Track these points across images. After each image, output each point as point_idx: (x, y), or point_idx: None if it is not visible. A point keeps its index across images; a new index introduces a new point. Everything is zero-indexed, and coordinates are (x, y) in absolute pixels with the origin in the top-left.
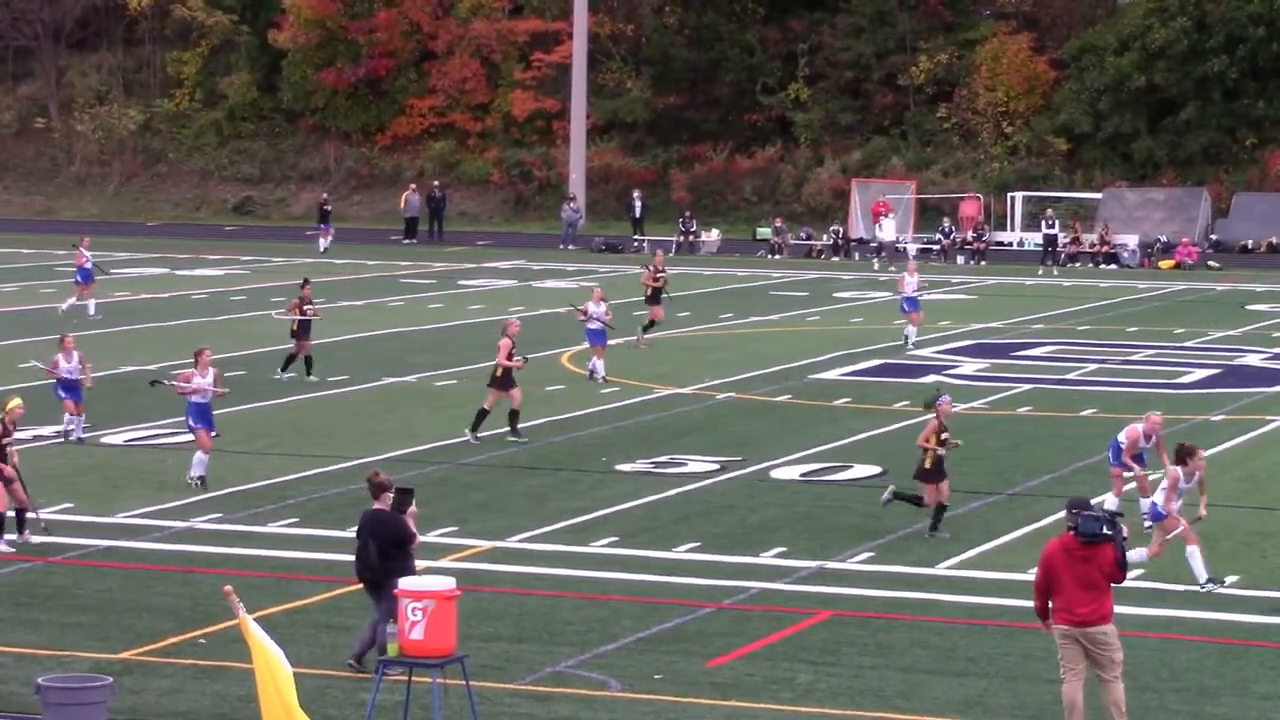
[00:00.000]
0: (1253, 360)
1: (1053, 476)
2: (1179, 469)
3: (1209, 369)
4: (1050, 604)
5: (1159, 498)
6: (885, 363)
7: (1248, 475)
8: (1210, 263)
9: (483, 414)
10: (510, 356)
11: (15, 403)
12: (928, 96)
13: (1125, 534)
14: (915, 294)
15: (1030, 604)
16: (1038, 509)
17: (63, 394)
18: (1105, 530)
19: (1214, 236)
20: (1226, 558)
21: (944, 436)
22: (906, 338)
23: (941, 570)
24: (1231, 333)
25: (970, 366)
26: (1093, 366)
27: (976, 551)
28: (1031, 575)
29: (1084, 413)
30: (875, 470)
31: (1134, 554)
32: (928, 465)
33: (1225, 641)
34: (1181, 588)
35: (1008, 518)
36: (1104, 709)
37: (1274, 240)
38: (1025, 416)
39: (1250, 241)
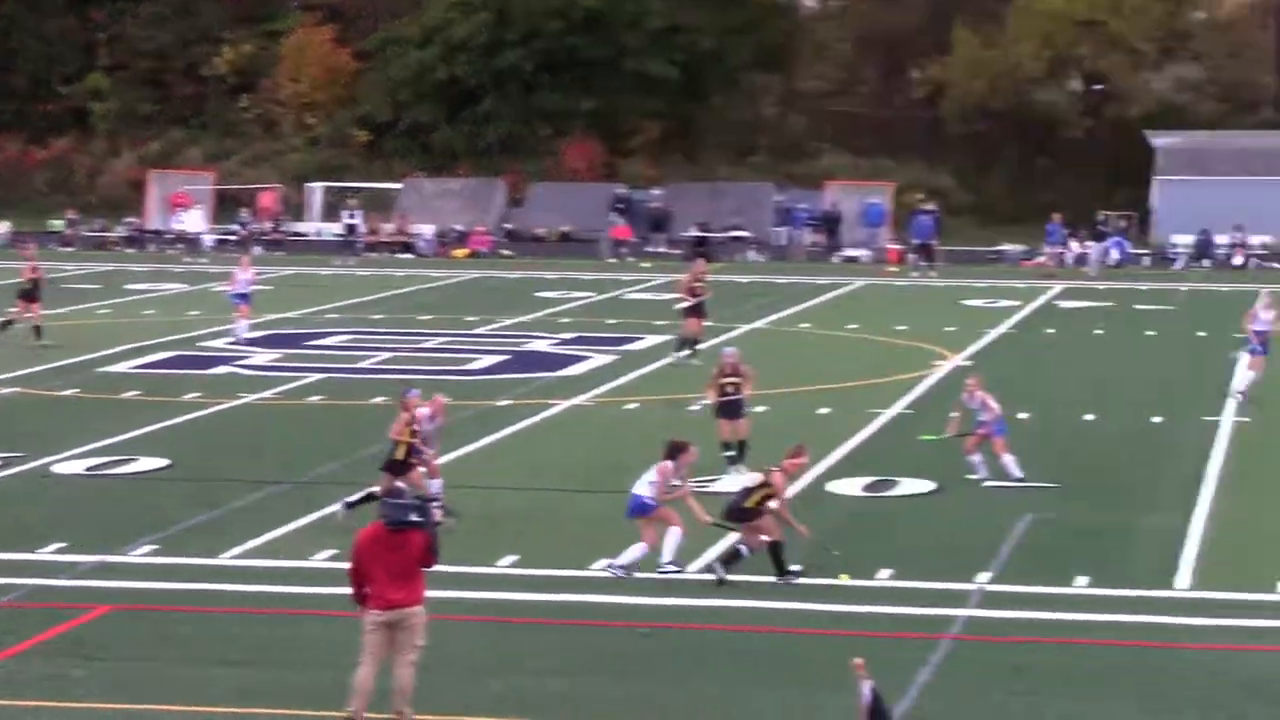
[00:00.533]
0: (540, 346)
1: (341, 464)
2: (670, 464)
3: (498, 355)
4: (366, 590)
5: (646, 490)
6: (177, 354)
7: (530, 459)
8: (503, 251)
9: None
10: None
11: None
12: (230, 87)
13: (438, 520)
14: (248, 290)
15: (318, 590)
16: (328, 496)
17: None
18: (414, 517)
19: (508, 225)
20: (509, 537)
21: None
22: (234, 332)
23: (226, 560)
24: (522, 319)
25: (262, 357)
26: (385, 355)
27: (262, 540)
28: (319, 562)
29: (374, 400)
30: (163, 462)
31: (635, 550)
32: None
33: (500, 620)
34: (458, 569)
35: (297, 506)
36: (389, 694)
37: (565, 229)
38: (316, 405)
39: (543, 230)
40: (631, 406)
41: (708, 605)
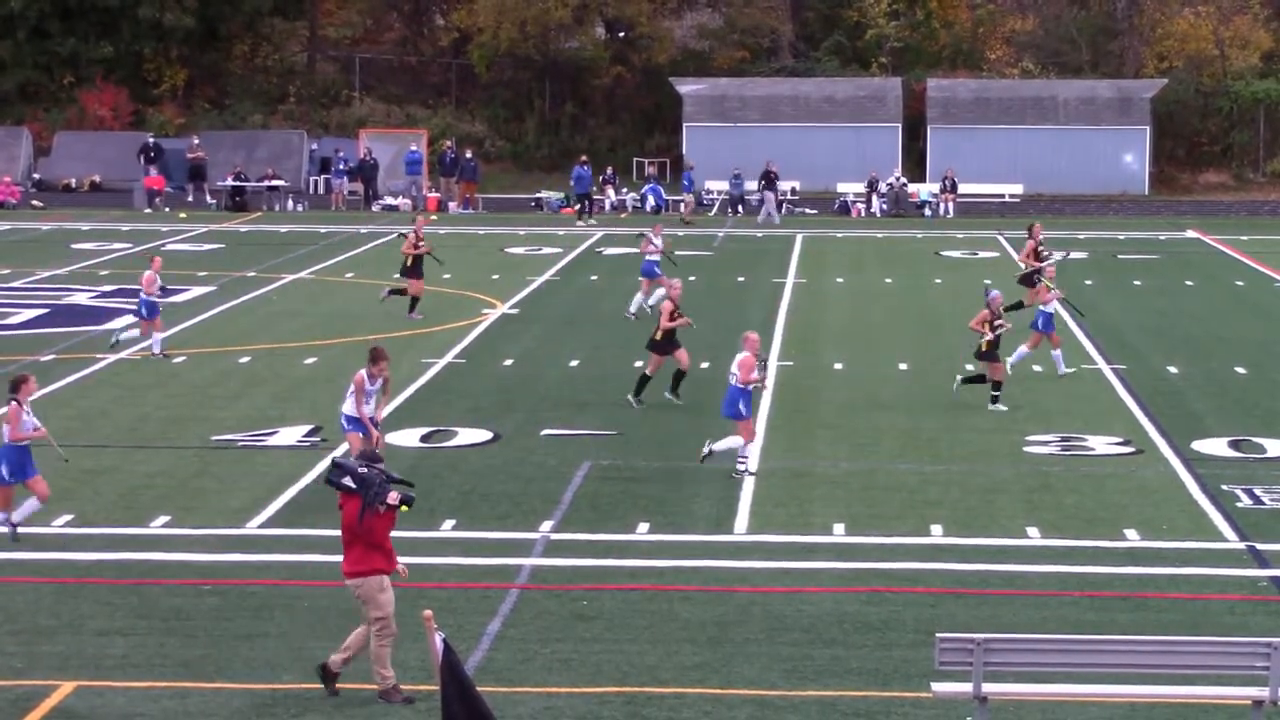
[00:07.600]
0: (81, 299)
1: None
2: (364, 373)
3: (37, 309)
4: None
5: (348, 407)
6: None
7: (79, 413)
8: (34, 202)
9: (645, 380)
10: (673, 317)
11: None
12: None
13: None
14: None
15: None
16: None
17: None
18: None
19: (37, 175)
20: (66, 496)
21: (997, 323)
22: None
23: None
24: (59, 272)
25: None
26: None
27: None
28: None
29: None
30: None
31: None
32: (985, 348)
33: (59, 581)
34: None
35: None
36: None
37: (95, 179)
38: None
39: (73, 180)
40: (180, 360)
41: (275, 561)
